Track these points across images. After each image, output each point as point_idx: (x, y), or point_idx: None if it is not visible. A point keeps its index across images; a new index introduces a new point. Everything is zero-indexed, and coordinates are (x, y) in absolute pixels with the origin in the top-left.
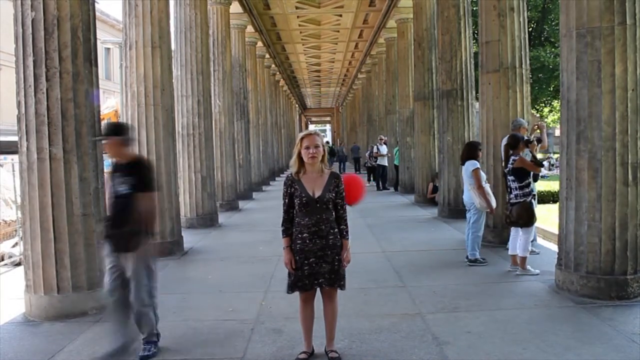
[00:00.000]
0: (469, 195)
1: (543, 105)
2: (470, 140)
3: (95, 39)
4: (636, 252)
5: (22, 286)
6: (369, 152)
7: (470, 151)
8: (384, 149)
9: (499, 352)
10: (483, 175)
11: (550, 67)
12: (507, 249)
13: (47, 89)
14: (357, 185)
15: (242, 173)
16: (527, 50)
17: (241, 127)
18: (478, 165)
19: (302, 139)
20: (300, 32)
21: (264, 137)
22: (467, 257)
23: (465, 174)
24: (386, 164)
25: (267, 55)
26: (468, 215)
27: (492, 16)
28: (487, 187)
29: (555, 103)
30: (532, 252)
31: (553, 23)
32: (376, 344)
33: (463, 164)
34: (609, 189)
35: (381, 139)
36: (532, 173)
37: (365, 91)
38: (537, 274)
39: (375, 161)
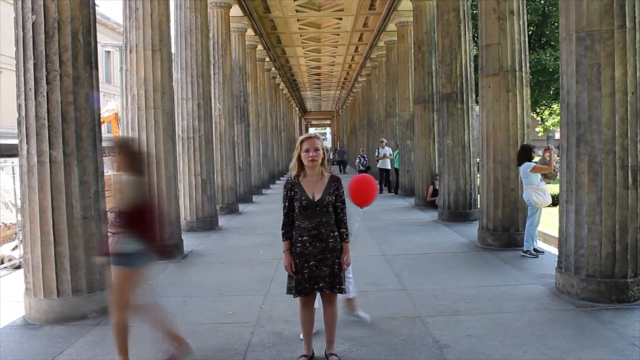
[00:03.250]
0: (527, 194)
1: (543, 108)
2: (524, 143)
3: (96, 42)
4: (636, 255)
5: (21, 289)
6: (358, 160)
7: (526, 153)
8: (384, 151)
9: (499, 356)
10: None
11: (550, 70)
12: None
13: (47, 92)
14: (371, 188)
15: (242, 176)
16: (527, 53)
17: (241, 130)
18: (533, 165)
19: (302, 142)
20: (301, 35)
21: (264, 140)
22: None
23: (522, 174)
24: (388, 167)
25: (267, 59)
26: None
27: (492, 19)
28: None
29: (555, 106)
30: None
31: (553, 26)
32: (376, 347)
33: (520, 165)
34: (609, 192)
35: (382, 142)
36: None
37: (366, 94)
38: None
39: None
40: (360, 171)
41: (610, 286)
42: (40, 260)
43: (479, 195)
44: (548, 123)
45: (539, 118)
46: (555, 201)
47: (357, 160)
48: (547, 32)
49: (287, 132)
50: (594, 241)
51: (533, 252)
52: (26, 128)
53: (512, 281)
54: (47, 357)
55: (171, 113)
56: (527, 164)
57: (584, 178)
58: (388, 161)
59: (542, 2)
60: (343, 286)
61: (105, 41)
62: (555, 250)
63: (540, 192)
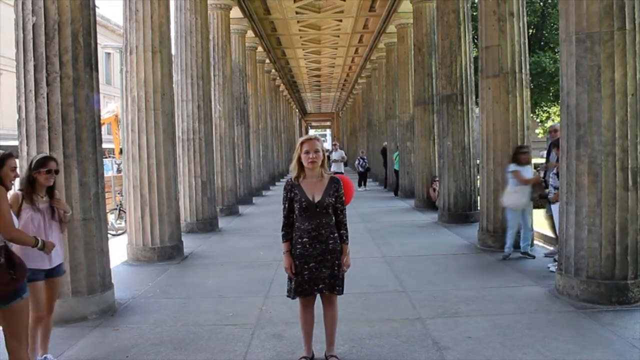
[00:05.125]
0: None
1: (542, 111)
2: (520, 144)
3: (96, 43)
4: (636, 257)
5: None
6: (357, 161)
7: (515, 154)
8: (337, 154)
9: (499, 357)
10: (526, 174)
11: (550, 72)
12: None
13: (47, 94)
14: (348, 187)
15: (242, 178)
16: (527, 55)
17: (241, 132)
18: (516, 168)
19: (302, 143)
20: (301, 37)
21: (264, 141)
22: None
23: (506, 174)
24: (341, 171)
25: (267, 60)
26: None
27: (492, 21)
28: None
29: (555, 108)
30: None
31: (553, 28)
32: (376, 348)
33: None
34: (609, 194)
35: (335, 145)
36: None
37: (366, 96)
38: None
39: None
40: (360, 172)
41: (610, 288)
42: None
43: (479, 197)
44: (548, 125)
45: (538, 120)
46: None
47: (357, 162)
48: (547, 34)
49: (287, 133)
50: (594, 243)
51: (506, 253)
52: (26, 130)
53: (512, 283)
54: None
55: (171, 115)
56: (511, 165)
57: (584, 179)
58: (342, 165)
59: (541, 4)
60: (341, 287)
61: (106, 43)
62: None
63: (513, 193)
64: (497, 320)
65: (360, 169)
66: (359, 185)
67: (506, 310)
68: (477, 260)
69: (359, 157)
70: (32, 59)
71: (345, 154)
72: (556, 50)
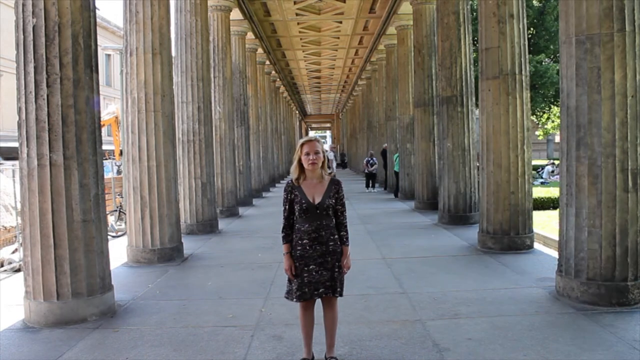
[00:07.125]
0: None
1: (541, 112)
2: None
3: (96, 45)
4: (637, 259)
5: (21, 292)
6: (366, 161)
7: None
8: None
9: (499, 359)
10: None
11: (545, 74)
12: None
13: (47, 95)
14: None
15: (242, 179)
16: (527, 56)
17: (241, 134)
18: None
19: (302, 145)
20: (301, 39)
21: (264, 143)
22: None
23: None
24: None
25: (268, 62)
26: None
27: (492, 23)
28: None
29: (555, 109)
30: None
31: (552, 30)
32: (376, 350)
33: None
34: (609, 196)
35: (334, 147)
36: None
37: (366, 97)
38: None
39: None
40: (367, 173)
41: (610, 289)
42: (40, 263)
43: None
44: (548, 126)
45: (537, 121)
46: (555, 204)
47: (365, 161)
48: (544, 33)
49: (287, 135)
50: (594, 244)
51: None
52: (26, 131)
53: (513, 284)
54: None
55: (171, 116)
56: None
57: (584, 181)
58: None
59: (540, 4)
60: (340, 289)
61: (106, 44)
62: (555, 254)
63: None
64: (497, 322)
65: (372, 170)
66: (366, 186)
67: (506, 312)
68: (477, 262)
69: (367, 158)
70: (33, 60)
71: (336, 156)
72: (552, 49)
